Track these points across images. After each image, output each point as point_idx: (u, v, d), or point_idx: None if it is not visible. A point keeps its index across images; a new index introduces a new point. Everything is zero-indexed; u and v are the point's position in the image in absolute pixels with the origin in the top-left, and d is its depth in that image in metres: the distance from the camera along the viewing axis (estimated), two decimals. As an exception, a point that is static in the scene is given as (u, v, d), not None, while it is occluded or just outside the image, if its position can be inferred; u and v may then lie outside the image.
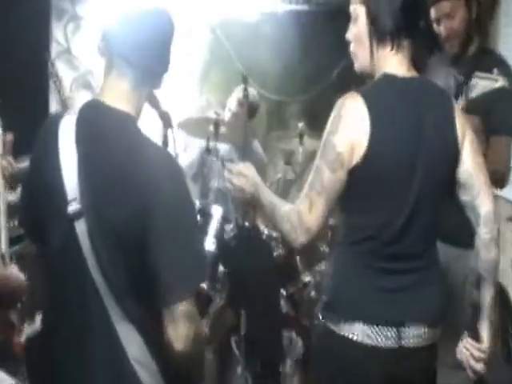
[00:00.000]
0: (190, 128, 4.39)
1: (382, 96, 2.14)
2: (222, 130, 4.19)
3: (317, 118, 4.97)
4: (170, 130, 3.95)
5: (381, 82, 2.17)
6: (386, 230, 2.13)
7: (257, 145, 4.75)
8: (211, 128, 4.16)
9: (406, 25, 2.14)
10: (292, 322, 3.87)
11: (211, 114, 4.38)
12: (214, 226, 3.88)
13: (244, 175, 2.30)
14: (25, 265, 2.60)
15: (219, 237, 3.85)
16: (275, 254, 3.89)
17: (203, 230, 3.79)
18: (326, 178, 2.07)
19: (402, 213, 2.12)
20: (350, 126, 2.07)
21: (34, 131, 2.15)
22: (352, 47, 2.24)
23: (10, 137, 2.85)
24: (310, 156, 4.36)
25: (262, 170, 4.68)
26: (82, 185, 1.85)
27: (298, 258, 3.97)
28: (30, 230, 2.10)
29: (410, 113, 2.14)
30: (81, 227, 1.84)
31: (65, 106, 3.32)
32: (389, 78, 2.15)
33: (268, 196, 2.24)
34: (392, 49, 2.16)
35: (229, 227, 3.94)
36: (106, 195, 1.83)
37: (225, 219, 3.97)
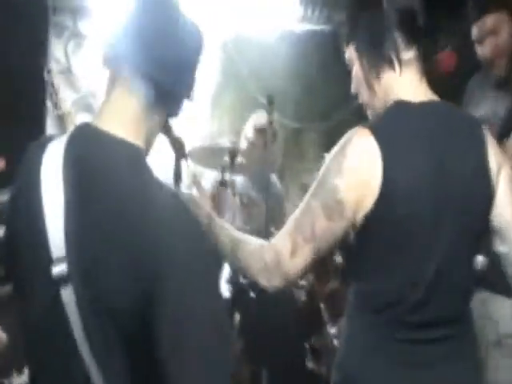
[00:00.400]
0: (202, 158, 3.98)
1: (396, 129, 1.80)
2: (238, 160, 3.78)
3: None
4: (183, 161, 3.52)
5: (393, 111, 1.83)
6: (408, 293, 1.81)
7: (274, 177, 4.34)
8: (226, 158, 3.75)
9: (405, 33, 1.87)
10: (318, 380, 3.43)
11: (225, 142, 3.97)
12: (229, 270, 3.51)
13: (196, 205, 2.00)
14: (6, 309, 2.24)
15: (234, 281, 3.47)
16: (298, 302, 3.48)
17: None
18: (319, 224, 1.78)
19: (426, 272, 1.79)
20: (358, 168, 1.76)
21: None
22: (360, 95, 1.95)
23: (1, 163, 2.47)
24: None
25: (280, 206, 4.30)
26: (70, 240, 1.42)
27: (322, 307, 3.56)
28: (12, 279, 1.66)
29: (431, 148, 1.79)
30: (68, 295, 1.41)
31: (61, 122, 2.92)
32: (401, 106, 1.82)
33: (227, 231, 1.97)
34: (395, 68, 1.86)
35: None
36: (100, 257, 1.40)
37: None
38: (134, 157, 1.49)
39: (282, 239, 1.82)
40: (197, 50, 1.58)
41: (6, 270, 1.69)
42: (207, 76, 5.14)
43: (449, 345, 1.85)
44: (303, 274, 1.82)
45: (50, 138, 1.57)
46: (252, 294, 3.46)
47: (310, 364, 3.46)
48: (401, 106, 1.83)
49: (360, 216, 1.76)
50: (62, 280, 1.41)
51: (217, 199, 3.98)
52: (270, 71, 5.10)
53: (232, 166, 3.74)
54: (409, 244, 1.78)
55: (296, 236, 1.79)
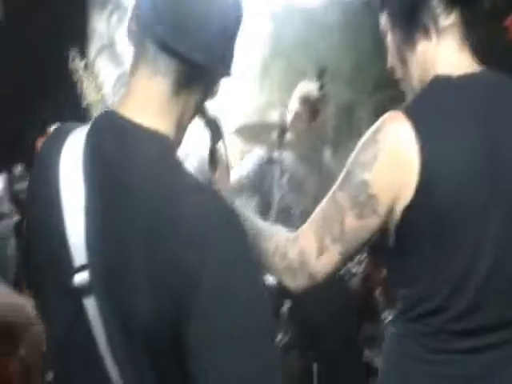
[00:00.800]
0: (250, 135, 3.79)
1: (436, 109, 1.58)
2: (287, 136, 3.58)
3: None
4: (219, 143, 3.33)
5: (431, 89, 1.60)
6: (455, 298, 1.60)
7: (328, 155, 4.11)
8: (274, 135, 3.55)
9: None
10: (372, 371, 3.25)
11: (273, 117, 3.78)
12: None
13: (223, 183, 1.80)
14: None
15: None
16: (352, 289, 3.27)
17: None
18: (349, 223, 1.59)
19: (475, 272, 1.58)
20: (391, 159, 1.56)
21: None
22: (395, 71, 1.72)
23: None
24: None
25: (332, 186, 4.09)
26: (92, 246, 1.24)
27: (378, 292, 3.36)
28: (32, 285, 1.50)
29: (478, 128, 1.57)
30: (91, 306, 1.25)
31: (87, 113, 2.75)
32: (441, 82, 1.59)
33: (249, 217, 1.77)
34: (431, 38, 1.62)
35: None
36: (125, 268, 1.22)
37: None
38: (163, 150, 1.29)
39: (307, 236, 1.64)
40: (235, 19, 1.34)
41: (26, 275, 1.56)
42: (255, 48, 4.96)
43: (508, 350, 1.64)
44: (332, 275, 1.64)
45: (72, 127, 1.39)
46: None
47: (364, 354, 3.28)
48: (440, 82, 1.60)
49: (398, 211, 1.56)
50: (85, 290, 1.25)
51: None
52: (320, 41, 4.91)
53: (281, 143, 3.54)
54: (456, 241, 1.57)
55: (323, 235, 1.61)
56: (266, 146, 3.70)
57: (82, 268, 1.25)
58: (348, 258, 1.64)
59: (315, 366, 2.97)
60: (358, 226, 1.58)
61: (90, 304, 1.24)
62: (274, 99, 5.03)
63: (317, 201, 3.44)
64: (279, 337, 3.19)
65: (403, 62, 1.68)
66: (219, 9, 1.30)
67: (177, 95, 1.30)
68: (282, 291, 3.08)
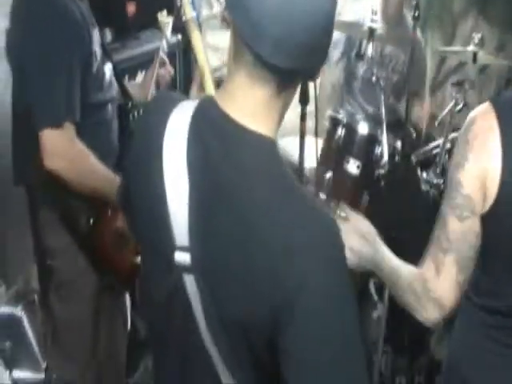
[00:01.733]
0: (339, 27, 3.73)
1: None
2: (379, 32, 3.50)
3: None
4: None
5: None
6: None
7: (417, 32, 3.79)
8: (365, 29, 3.47)
9: None
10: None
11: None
12: (359, 145, 3.46)
13: (362, 233, 1.79)
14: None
15: (365, 159, 3.41)
16: (431, 199, 3.27)
17: (346, 149, 3.42)
18: (452, 228, 1.56)
19: None
20: (479, 157, 1.52)
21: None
22: None
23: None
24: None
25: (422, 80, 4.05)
26: (194, 234, 1.31)
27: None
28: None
29: None
30: (191, 284, 1.32)
31: (185, 32, 2.62)
32: None
33: (389, 259, 1.76)
34: None
35: (378, 149, 3.40)
36: (223, 266, 1.28)
37: (372, 138, 3.45)
38: (269, 157, 1.31)
39: (425, 262, 1.63)
40: (333, 12, 1.28)
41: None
42: None
43: None
44: (458, 297, 1.62)
45: (176, 99, 1.42)
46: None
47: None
48: None
49: (485, 210, 1.55)
50: (185, 268, 1.32)
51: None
52: None
53: (370, 38, 3.46)
54: None
55: (435, 251, 1.60)
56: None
57: (183, 249, 1.31)
58: (466, 269, 1.59)
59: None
60: (461, 229, 1.55)
61: (190, 281, 1.31)
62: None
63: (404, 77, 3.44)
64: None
65: None
66: (325, 12, 1.25)
67: (277, 97, 1.30)
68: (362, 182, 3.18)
